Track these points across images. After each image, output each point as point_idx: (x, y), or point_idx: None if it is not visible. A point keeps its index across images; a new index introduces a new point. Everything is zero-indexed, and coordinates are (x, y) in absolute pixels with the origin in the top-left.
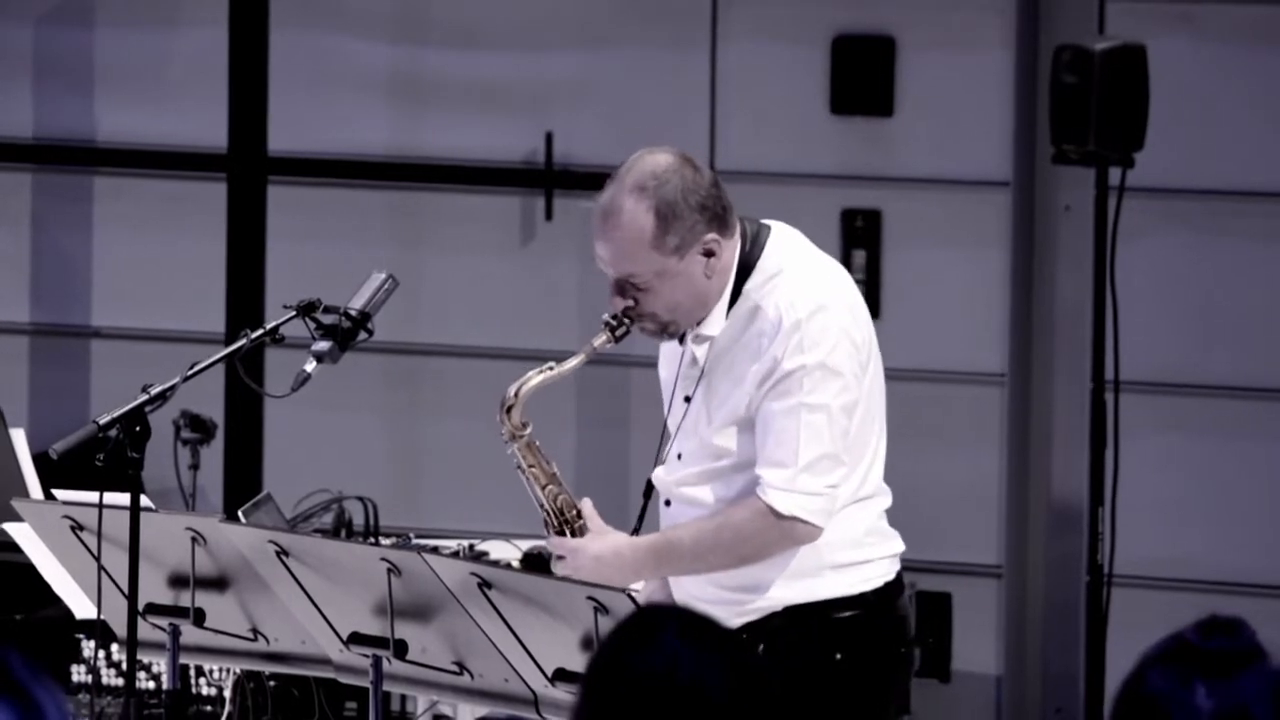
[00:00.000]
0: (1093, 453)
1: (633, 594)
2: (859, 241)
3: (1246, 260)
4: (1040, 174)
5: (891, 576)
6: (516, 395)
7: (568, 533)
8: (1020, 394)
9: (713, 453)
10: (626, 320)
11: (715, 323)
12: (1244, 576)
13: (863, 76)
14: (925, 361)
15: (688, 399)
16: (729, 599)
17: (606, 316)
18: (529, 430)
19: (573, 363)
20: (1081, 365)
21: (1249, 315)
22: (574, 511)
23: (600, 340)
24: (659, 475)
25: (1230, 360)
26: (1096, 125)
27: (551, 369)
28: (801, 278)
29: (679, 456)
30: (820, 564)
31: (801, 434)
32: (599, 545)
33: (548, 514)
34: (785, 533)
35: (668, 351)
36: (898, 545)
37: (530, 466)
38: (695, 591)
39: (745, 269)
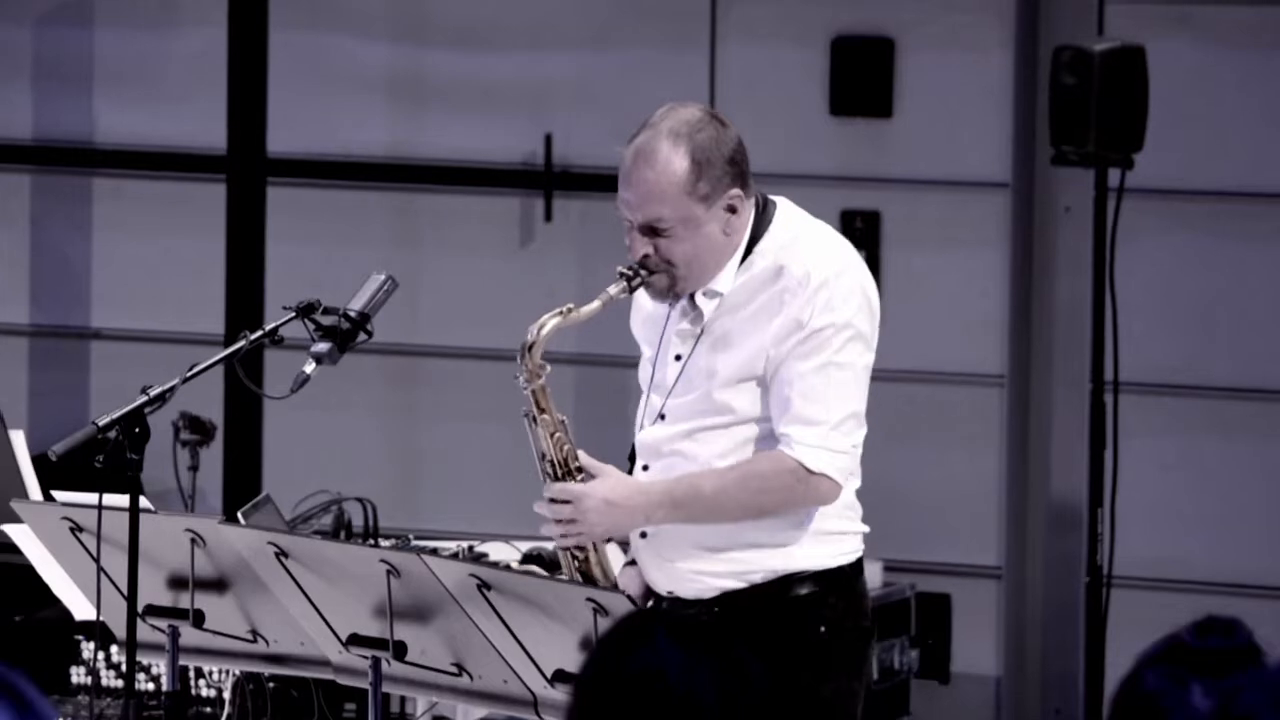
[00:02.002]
0: (1092, 454)
1: (631, 595)
2: (858, 243)
3: (1246, 261)
4: (1040, 175)
5: (860, 553)
6: (538, 334)
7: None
8: (1020, 395)
9: (711, 409)
10: (643, 270)
11: (725, 279)
12: (1243, 577)
13: (862, 77)
14: (925, 363)
15: (678, 358)
16: (708, 560)
17: (622, 267)
18: (546, 373)
19: (589, 308)
20: (1081, 366)
21: (1248, 316)
22: (576, 464)
23: (615, 289)
24: (640, 439)
25: (1229, 361)
26: (1096, 126)
27: (570, 310)
28: (821, 241)
29: (661, 416)
30: (805, 530)
31: (831, 392)
32: (608, 489)
33: (551, 464)
34: (811, 489)
35: (644, 311)
36: (864, 527)
37: (540, 412)
38: (672, 555)
39: (755, 234)
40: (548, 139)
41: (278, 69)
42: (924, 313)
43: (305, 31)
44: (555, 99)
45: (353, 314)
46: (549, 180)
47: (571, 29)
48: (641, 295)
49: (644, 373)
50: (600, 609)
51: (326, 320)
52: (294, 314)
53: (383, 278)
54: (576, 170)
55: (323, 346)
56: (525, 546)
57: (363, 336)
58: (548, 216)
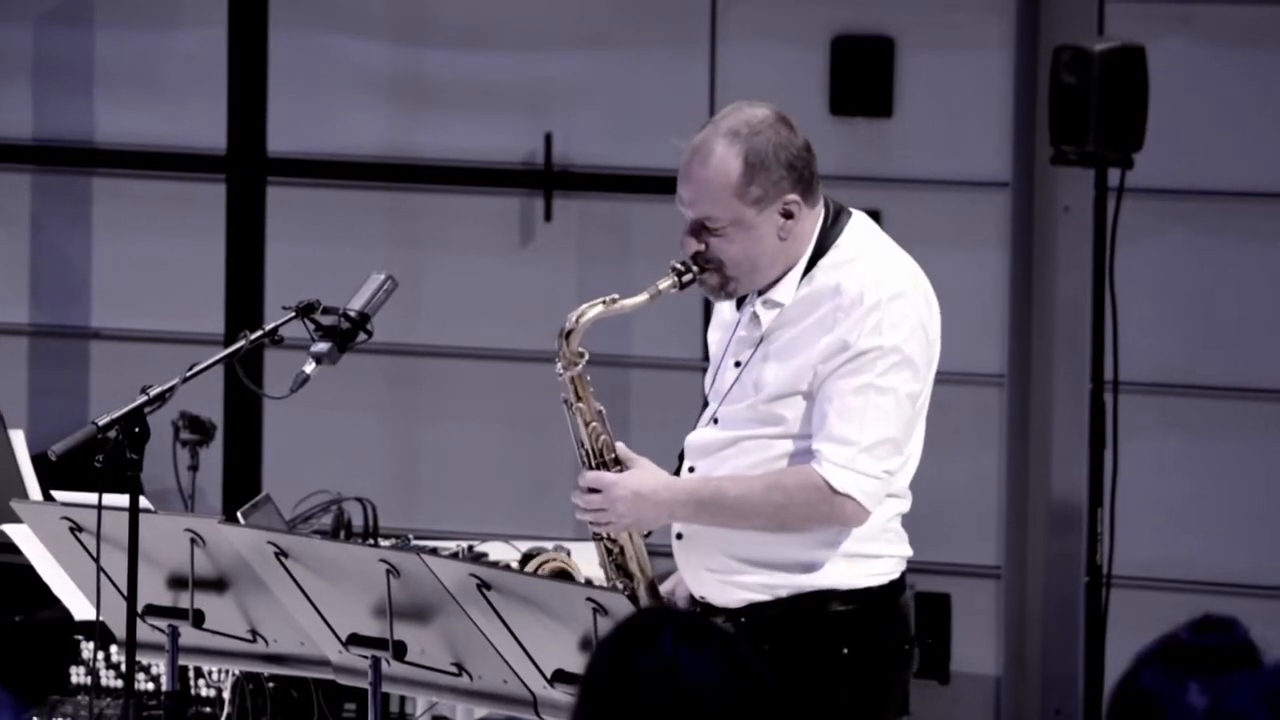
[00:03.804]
0: (1092, 453)
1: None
2: None
3: (1246, 260)
4: (1040, 175)
5: (896, 575)
6: (577, 322)
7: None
8: (1020, 395)
9: (760, 419)
10: (694, 267)
11: (786, 290)
12: (1243, 577)
13: (862, 77)
14: None
15: (738, 364)
16: (737, 570)
17: (674, 262)
18: (584, 361)
19: (635, 300)
20: (1081, 366)
21: (1248, 315)
22: (612, 455)
23: (666, 284)
24: (690, 440)
25: (1229, 360)
26: (1096, 126)
27: (614, 300)
28: (882, 263)
29: (715, 420)
30: (837, 550)
31: (868, 414)
32: (638, 481)
33: (586, 453)
34: (835, 509)
35: (721, 317)
36: (907, 550)
37: (578, 401)
38: (704, 561)
39: (820, 247)
40: (548, 139)
41: (277, 68)
42: None
43: (305, 31)
44: (555, 99)
45: (352, 314)
46: (549, 180)
47: (571, 29)
48: (719, 305)
49: (708, 379)
50: (600, 609)
51: (326, 320)
52: (294, 314)
53: (382, 277)
54: (576, 170)
55: (322, 346)
56: (525, 546)
57: (362, 336)
58: (548, 216)
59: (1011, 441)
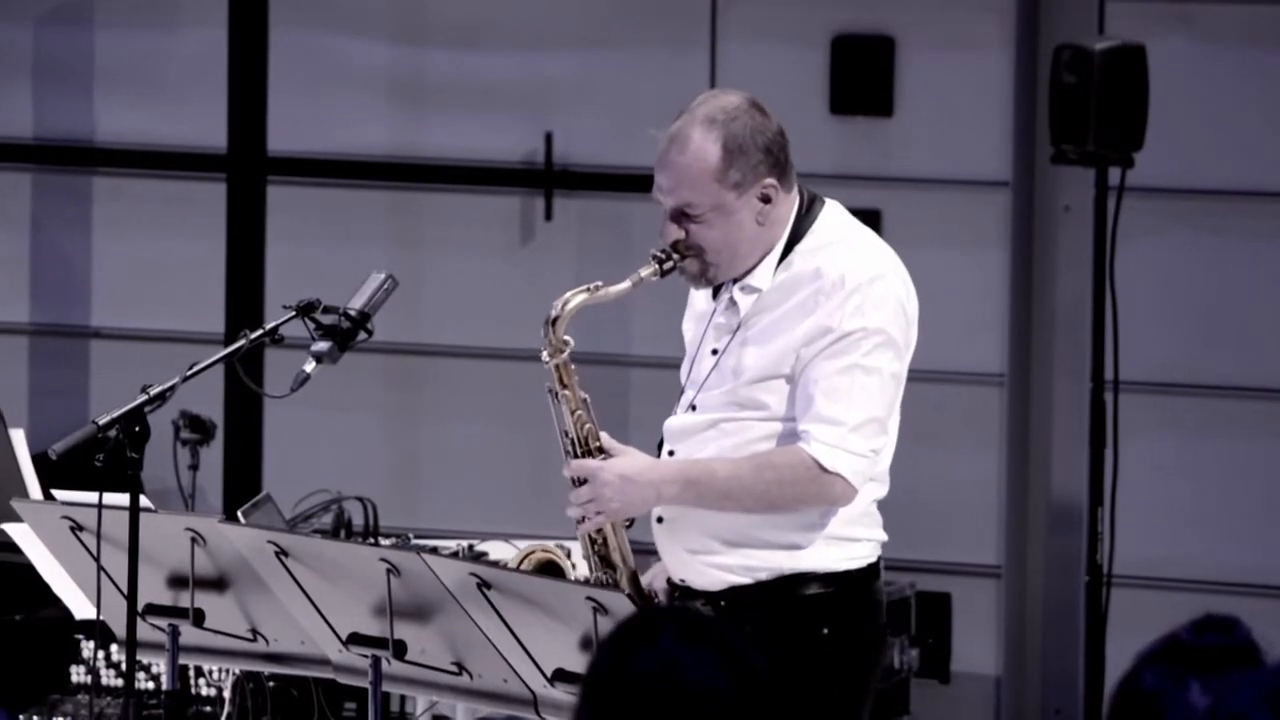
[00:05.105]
0: (1092, 453)
1: (632, 595)
2: None
3: (1246, 260)
4: (1040, 174)
5: (873, 559)
6: (562, 309)
7: None
8: (1020, 394)
9: (740, 403)
10: (675, 255)
11: (763, 276)
12: (1243, 577)
13: (862, 76)
14: (925, 362)
15: (715, 352)
16: (718, 551)
17: (655, 250)
18: (569, 349)
19: (619, 287)
20: (1081, 365)
21: (1249, 315)
22: (597, 444)
23: (647, 271)
24: (668, 424)
25: (1230, 360)
26: (1096, 125)
27: (598, 288)
28: (860, 246)
29: (692, 407)
30: (818, 533)
31: (855, 394)
32: (624, 465)
33: (571, 442)
34: (824, 488)
35: (695, 308)
36: (882, 535)
37: (563, 389)
38: (685, 542)
39: (796, 232)
40: (548, 138)
41: (278, 68)
42: (924, 312)
43: (305, 31)
44: (555, 99)
45: (353, 313)
46: (549, 179)
47: (571, 29)
48: (693, 295)
49: (684, 368)
50: (600, 608)
51: (326, 319)
52: (294, 313)
53: (382, 277)
54: (577, 169)
55: (323, 345)
56: (525, 545)
57: (363, 335)
58: (548, 216)
59: (1011, 441)
